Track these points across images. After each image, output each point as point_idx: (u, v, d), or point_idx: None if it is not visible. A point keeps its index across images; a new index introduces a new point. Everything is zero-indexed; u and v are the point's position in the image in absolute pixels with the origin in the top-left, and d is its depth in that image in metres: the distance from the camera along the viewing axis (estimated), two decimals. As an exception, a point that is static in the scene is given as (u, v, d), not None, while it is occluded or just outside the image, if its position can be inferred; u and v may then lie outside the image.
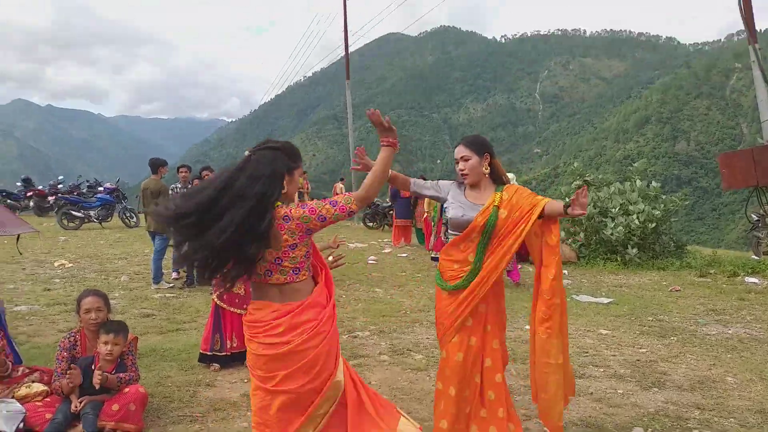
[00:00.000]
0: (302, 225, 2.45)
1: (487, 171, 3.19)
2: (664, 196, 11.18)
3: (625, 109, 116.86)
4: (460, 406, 3.09)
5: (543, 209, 3.03)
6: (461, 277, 3.09)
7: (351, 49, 26.12)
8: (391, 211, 13.91)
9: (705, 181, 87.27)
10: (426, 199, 12.48)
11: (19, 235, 4.38)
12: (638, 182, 11.26)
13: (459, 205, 3.20)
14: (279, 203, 2.47)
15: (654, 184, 11.22)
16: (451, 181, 3.37)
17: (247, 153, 2.52)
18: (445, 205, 3.30)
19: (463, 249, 3.13)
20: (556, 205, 3.05)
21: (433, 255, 11.41)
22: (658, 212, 10.51)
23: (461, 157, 3.19)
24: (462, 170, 3.19)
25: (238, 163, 2.48)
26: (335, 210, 2.47)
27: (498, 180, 3.25)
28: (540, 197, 3.12)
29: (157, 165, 8.70)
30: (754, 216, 11.03)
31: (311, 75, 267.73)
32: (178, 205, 2.39)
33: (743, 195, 11.44)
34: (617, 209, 10.81)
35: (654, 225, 10.46)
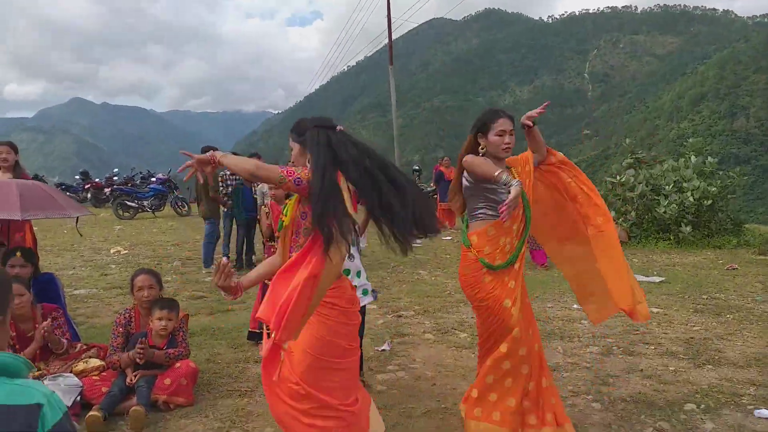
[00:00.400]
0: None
1: None
2: (720, 172, 10.72)
3: (680, 87, 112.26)
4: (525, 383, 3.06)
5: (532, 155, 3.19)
6: (511, 252, 3.03)
7: (394, 36, 25.98)
8: (435, 195, 13.84)
9: (766, 159, 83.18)
10: None
11: (78, 218, 4.57)
12: (693, 158, 10.84)
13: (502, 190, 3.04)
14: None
15: (710, 159, 10.77)
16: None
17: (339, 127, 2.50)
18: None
19: (509, 227, 3.05)
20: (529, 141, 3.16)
21: None
22: (714, 189, 10.09)
23: (510, 131, 3.07)
24: (508, 144, 3.07)
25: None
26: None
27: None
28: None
29: (205, 152, 8.89)
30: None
31: (355, 64, 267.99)
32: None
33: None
34: (670, 186, 10.44)
35: (710, 202, 10.06)
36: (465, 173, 3.11)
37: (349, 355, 2.47)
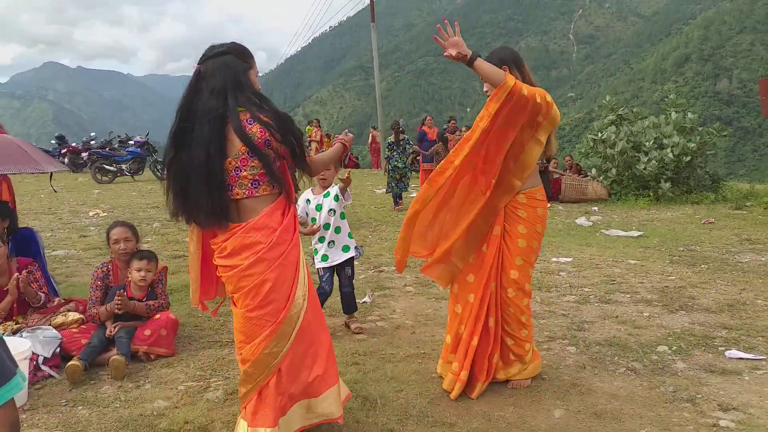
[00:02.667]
0: (264, 132, 2.32)
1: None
2: (700, 128, 10.80)
3: (664, 48, 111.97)
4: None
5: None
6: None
7: (375, -7, 25.45)
8: (418, 157, 13.77)
9: (747, 121, 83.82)
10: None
11: (51, 174, 4.49)
12: (673, 115, 10.89)
13: None
14: (242, 108, 2.34)
15: (690, 116, 10.82)
16: None
17: (195, 67, 2.41)
18: None
19: None
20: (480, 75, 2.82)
21: None
22: (693, 145, 10.18)
23: None
24: (487, 92, 2.98)
25: (191, 81, 2.40)
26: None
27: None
28: None
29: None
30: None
31: (337, 25, 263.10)
32: (165, 149, 2.43)
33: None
34: (651, 143, 10.51)
35: (689, 158, 10.17)
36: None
37: None
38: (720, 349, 3.64)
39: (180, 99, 2.42)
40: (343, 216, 4.12)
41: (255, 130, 2.31)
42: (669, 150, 10.20)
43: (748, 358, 3.46)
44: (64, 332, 3.67)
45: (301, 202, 4.07)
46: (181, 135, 2.37)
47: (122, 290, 3.76)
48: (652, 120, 11.05)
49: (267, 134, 2.32)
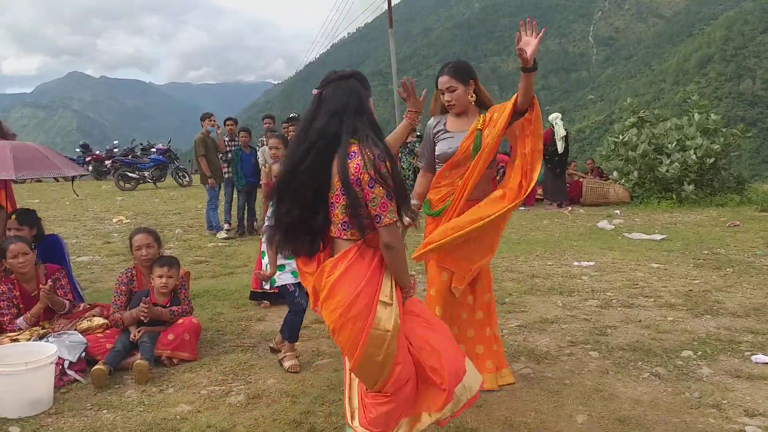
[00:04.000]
0: (359, 168, 2.07)
1: (473, 99, 3.10)
2: (724, 129, 10.62)
3: (686, 49, 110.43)
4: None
5: (515, 101, 2.89)
6: (447, 200, 3.06)
7: (394, 1, 25.52)
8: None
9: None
10: None
11: (73, 178, 4.57)
12: (696, 116, 10.73)
13: (444, 138, 3.15)
14: (354, 140, 2.14)
15: (713, 116, 10.65)
16: (433, 118, 3.26)
17: (315, 91, 2.28)
18: (434, 144, 3.21)
19: (450, 177, 3.09)
20: (522, 85, 2.84)
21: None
22: (717, 146, 10.02)
23: (447, 88, 3.06)
24: (449, 101, 3.08)
25: (312, 105, 2.26)
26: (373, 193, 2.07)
27: (483, 105, 3.14)
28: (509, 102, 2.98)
29: (201, 119, 8.90)
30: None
31: (355, 31, 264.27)
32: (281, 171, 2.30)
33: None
34: (673, 145, 10.37)
35: (713, 160, 10.00)
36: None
37: None
38: (746, 354, 3.57)
39: (301, 121, 2.31)
40: None
41: (352, 165, 2.09)
42: (692, 152, 10.05)
43: (775, 364, 3.40)
44: (89, 337, 3.73)
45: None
46: (297, 158, 2.20)
47: (146, 296, 3.81)
48: (675, 122, 10.90)
49: (360, 170, 2.07)
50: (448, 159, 3.10)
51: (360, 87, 2.25)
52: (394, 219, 2.11)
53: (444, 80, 3.07)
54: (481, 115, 3.07)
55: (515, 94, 2.94)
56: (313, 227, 2.23)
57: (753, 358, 3.50)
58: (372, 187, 2.05)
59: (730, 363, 3.45)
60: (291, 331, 3.67)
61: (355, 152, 2.10)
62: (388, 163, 2.10)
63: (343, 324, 2.11)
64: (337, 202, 2.15)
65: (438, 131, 3.21)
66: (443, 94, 3.10)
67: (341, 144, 2.13)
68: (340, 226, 2.17)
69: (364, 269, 2.15)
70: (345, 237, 2.17)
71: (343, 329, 2.12)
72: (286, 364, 3.58)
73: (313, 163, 2.15)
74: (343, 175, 2.08)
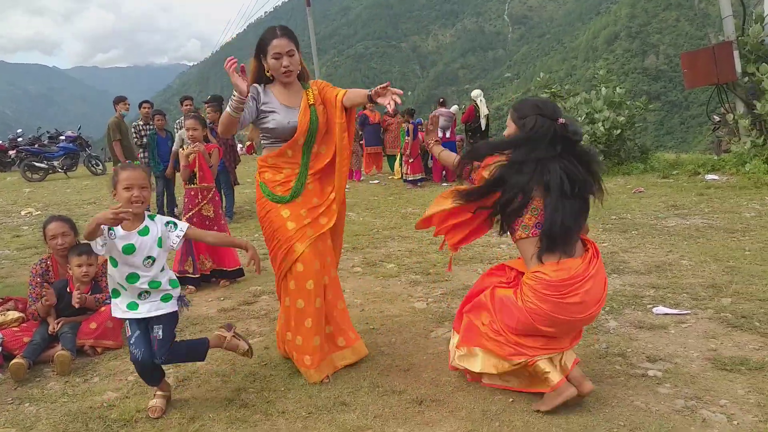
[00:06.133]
0: None
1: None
2: (628, 102, 11.28)
3: (594, 26, 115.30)
4: (322, 319, 3.08)
5: (344, 97, 2.93)
6: (292, 184, 2.99)
7: (310, -23, 25.04)
8: (361, 141, 13.83)
9: (674, 95, 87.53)
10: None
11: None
12: (603, 90, 11.33)
13: (277, 112, 2.95)
14: None
15: (619, 90, 11.28)
16: (251, 87, 2.93)
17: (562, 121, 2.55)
18: (259, 117, 2.98)
19: (291, 156, 3.00)
20: (357, 93, 2.93)
21: (409, 178, 11.49)
22: (622, 118, 10.63)
23: (287, 52, 2.86)
24: (287, 67, 2.87)
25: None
26: None
27: (303, 77, 3.05)
28: (339, 89, 3.01)
29: (114, 103, 8.54)
30: (715, 117, 11.23)
31: (272, 10, 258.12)
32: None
33: (711, 106, 11.53)
34: (583, 118, 10.91)
35: (619, 131, 10.61)
36: None
37: None
38: (648, 306, 3.89)
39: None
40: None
41: None
42: (600, 124, 10.62)
43: (673, 314, 3.73)
44: (4, 331, 3.57)
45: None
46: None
47: (65, 286, 3.68)
48: (584, 96, 11.46)
49: None
50: (285, 134, 2.95)
51: None
52: None
53: (283, 43, 2.85)
54: (308, 90, 2.99)
55: (345, 90, 2.96)
56: None
57: (654, 310, 3.82)
58: None
59: (634, 316, 3.76)
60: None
61: None
62: None
63: None
64: None
65: (268, 101, 2.96)
66: (278, 58, 2.87)
67: None
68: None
69: None
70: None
71: None
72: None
73: None
74: None
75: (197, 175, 5.20)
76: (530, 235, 2.55)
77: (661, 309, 3.83)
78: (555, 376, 2.53)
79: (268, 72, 2.94)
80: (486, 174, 2.59)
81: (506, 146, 2.59)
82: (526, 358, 2.55)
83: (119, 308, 2.73)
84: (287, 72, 2.88)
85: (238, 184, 9.06)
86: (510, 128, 2.68)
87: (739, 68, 9.41)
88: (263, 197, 3.04)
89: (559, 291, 2.46)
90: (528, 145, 2.52)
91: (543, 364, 2.55)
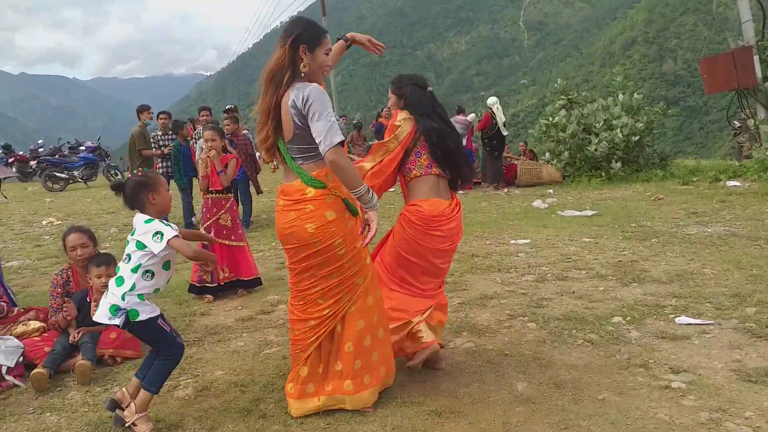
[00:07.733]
0: None
1: None
2: (646, 108, 11.17)
3: (611, 32, 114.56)
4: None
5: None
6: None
7: (326, -13, 25.31)
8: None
9: (692, 100, 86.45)
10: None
11: (1, 180, 4.37)
12: (621, 96, 11.23)
13: None
14: None
15: (636, 96, 11.18)
16: None
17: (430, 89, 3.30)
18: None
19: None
20: (335, 52, 3.20)
21: None
22: (641, 124, 10.53)
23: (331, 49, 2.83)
24: (330, 66, 2.82)
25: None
26: None
27: None
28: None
29: (138, 111, 8.64)
30: (736, 122, 11.08)
31: (288, 20, 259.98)
32: None
33: (731, 111, 11.38)
34: (601, 125, 10.83)
35: (637, 138, 10.51)
36: None
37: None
38: (670, 316, 3.83)
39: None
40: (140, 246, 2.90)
41: None
42: (618, 131, 10.53)
43: (696, 324, 3.66)
44: (26, 341, 3.61)
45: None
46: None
47: (85, 296, 3.72)
48: (601, 102, 11.38)
49: None
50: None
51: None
52: None
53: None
54: None
55: None
56: None
57: (676, 320, 3.75)
58: None
59: (656, 326, 3.70)
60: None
61: None
62: None
63: None
64: None
65: None
66: (328, 54, 2.76)
67: None
68: None
69: None
70: None
71: None
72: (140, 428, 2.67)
73: None
74: None
75: (210, 181, 5.26)
76: (422, 173, 3.16)
77: (683, 319, 3.77)
78: (428, 336, 3.04)
79: (305, 67, 2.66)
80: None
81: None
82: (404, 321, 3.05)
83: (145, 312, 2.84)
84: (328, 69, 2.81)
85: (262, 192, 9.10)
86: (392, 99, 3.36)
87: (759, 73, 9.28)
88: (345, 210, 2.68)
89: (427, 223, 3.07)
90: (413, 107, 3.23)
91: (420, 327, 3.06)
